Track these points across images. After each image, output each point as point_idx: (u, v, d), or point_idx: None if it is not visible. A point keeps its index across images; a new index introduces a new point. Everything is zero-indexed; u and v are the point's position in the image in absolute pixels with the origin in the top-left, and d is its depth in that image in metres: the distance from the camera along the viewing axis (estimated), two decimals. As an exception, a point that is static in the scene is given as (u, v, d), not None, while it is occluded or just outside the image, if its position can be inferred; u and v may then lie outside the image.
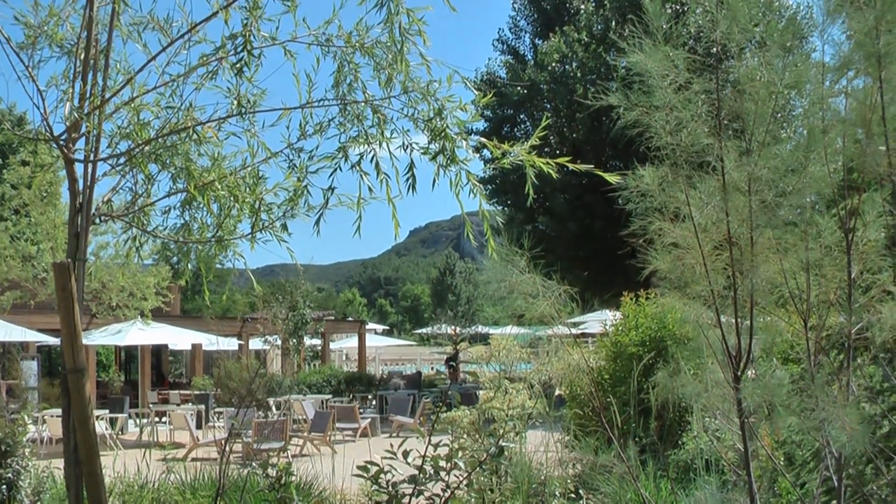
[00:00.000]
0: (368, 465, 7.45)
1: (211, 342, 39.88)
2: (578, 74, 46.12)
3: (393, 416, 32.99)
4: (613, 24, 45.15)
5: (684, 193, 5.69)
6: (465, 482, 7.58)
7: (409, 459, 7.39)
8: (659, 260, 6.03)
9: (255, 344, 47.86)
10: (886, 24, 5.25)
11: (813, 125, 5.72)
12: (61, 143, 6.75)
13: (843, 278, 5.86)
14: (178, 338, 39.17)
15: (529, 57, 52.81)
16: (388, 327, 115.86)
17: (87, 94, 6.87)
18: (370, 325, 69.59)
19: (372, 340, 63.49)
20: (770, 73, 5.46)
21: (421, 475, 7.34)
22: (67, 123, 6.74)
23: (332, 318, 57.30)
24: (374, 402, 42.98)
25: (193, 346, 44.22)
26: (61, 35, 7.25)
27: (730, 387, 5.84)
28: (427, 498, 7.42)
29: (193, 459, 22.31)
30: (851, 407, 5.56)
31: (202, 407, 33.43)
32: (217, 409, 34.56)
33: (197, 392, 37.62)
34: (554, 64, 47.38)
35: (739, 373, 5.74)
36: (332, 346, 60.01)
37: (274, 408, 34.88)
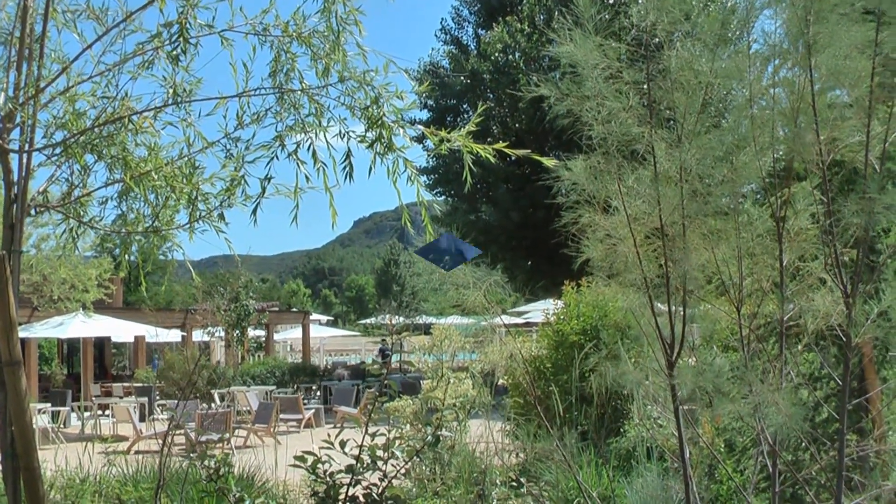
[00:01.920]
0: (306, 456, 7.43)
1: (151, 335, 39.63)
2: (521, 65, 46.25)
3: (337, 407, 32.97)
4: (556, 14, 45.24)
5: (616, 183, 5.72)
6: (402, 471, 7.57)
7: (347, 449, 7.38)
8: (591, 249, 6.06)
9: (199, 335, 47.67)
10: (815, 14, 5.31)
11: (741, 112, 5.77)
12: (-5, 133, 6.67)
13: (777, 266, 5.92)
14: (121, 330, 38.80)
15: (472, 47, 52.85)
16: (332, 318, 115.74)
17: (22, 84, 6.80)
18: (314, 316, 69.48)
19: (316, 331, 63.36)
20: (702, 63, 5.50)
21: (358, 465, 7.33)
22: (2, 113, 6.64)
23: (276, 308, 57.12)
24: (318, 393, 42.89)
25: (136, 338, 43.91)
26: (-4, 24, 7.17)
27: (665, 374, 5.89)
28: (365, 487, 7.42)
29: (136, 452, 22.25)
30: (787, 391, 5.63)
31: (145, 399, 33.23)
32: (160, 402, 34.36)
33: (138, 385, 37.39)
34: (497, 54, 47.51)
35: (674, 359, 5.78)
36: (276, 336, 59.83)
37: (218, 399, 34.76)
